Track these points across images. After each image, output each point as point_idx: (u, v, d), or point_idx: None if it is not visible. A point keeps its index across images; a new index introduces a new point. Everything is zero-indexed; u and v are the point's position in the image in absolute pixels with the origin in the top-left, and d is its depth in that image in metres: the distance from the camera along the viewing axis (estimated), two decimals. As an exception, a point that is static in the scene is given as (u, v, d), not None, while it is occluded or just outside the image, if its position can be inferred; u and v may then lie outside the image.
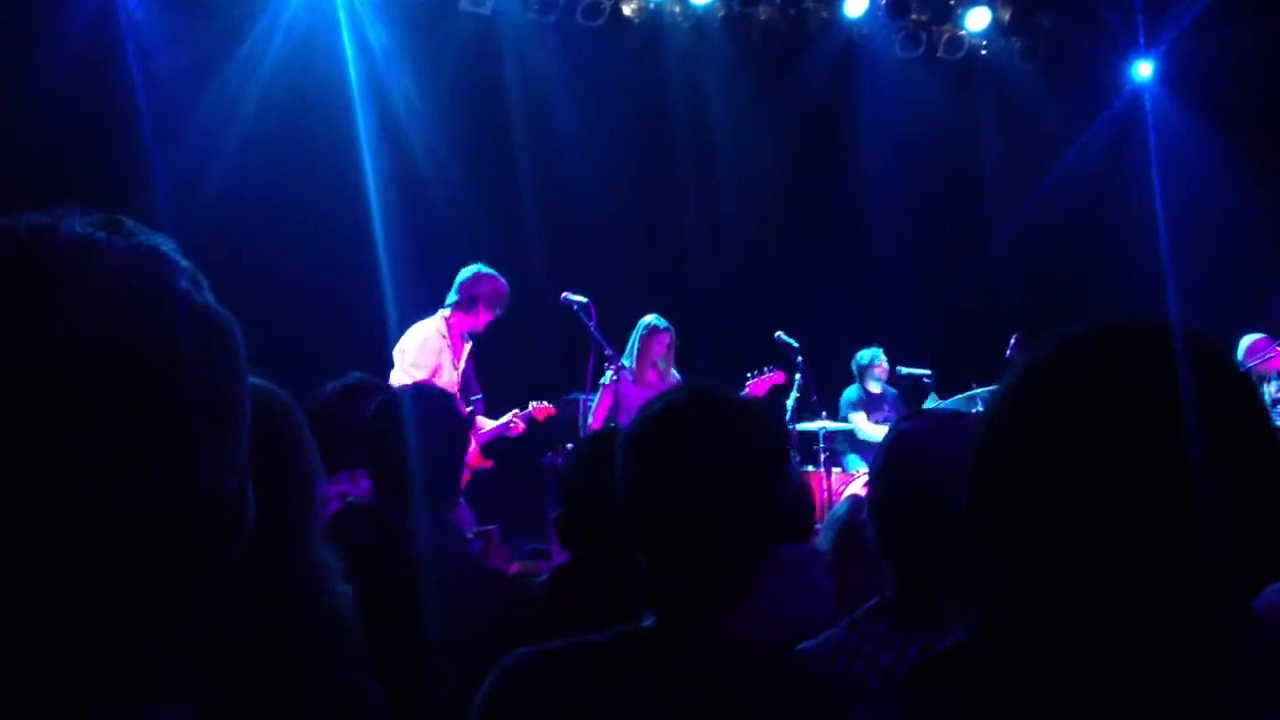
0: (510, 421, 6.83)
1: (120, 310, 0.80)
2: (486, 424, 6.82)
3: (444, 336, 6.62)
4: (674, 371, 7.84)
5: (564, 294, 7.47)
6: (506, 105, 9.44)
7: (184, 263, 0.86)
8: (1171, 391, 1.04)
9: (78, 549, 0.77)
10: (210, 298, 0.87)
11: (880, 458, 2.23)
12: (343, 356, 6.59)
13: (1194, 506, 1.01)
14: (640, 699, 1.72)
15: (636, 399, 7.38)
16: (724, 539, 1.77)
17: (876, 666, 2.09)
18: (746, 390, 8.07)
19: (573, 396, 7.73)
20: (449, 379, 6.54)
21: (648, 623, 1.80)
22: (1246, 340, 8.33)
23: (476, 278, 6.70)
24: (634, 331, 7.83)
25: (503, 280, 6.75)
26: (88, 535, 0.77)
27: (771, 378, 8.15)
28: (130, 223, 0.86)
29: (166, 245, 0.86)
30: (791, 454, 1.88)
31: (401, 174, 8.74)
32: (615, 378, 7.40)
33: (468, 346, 6.79)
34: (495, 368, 8.76)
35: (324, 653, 1.67)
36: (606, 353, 7.41)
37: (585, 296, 7.43)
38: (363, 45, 8.78)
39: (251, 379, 1.70)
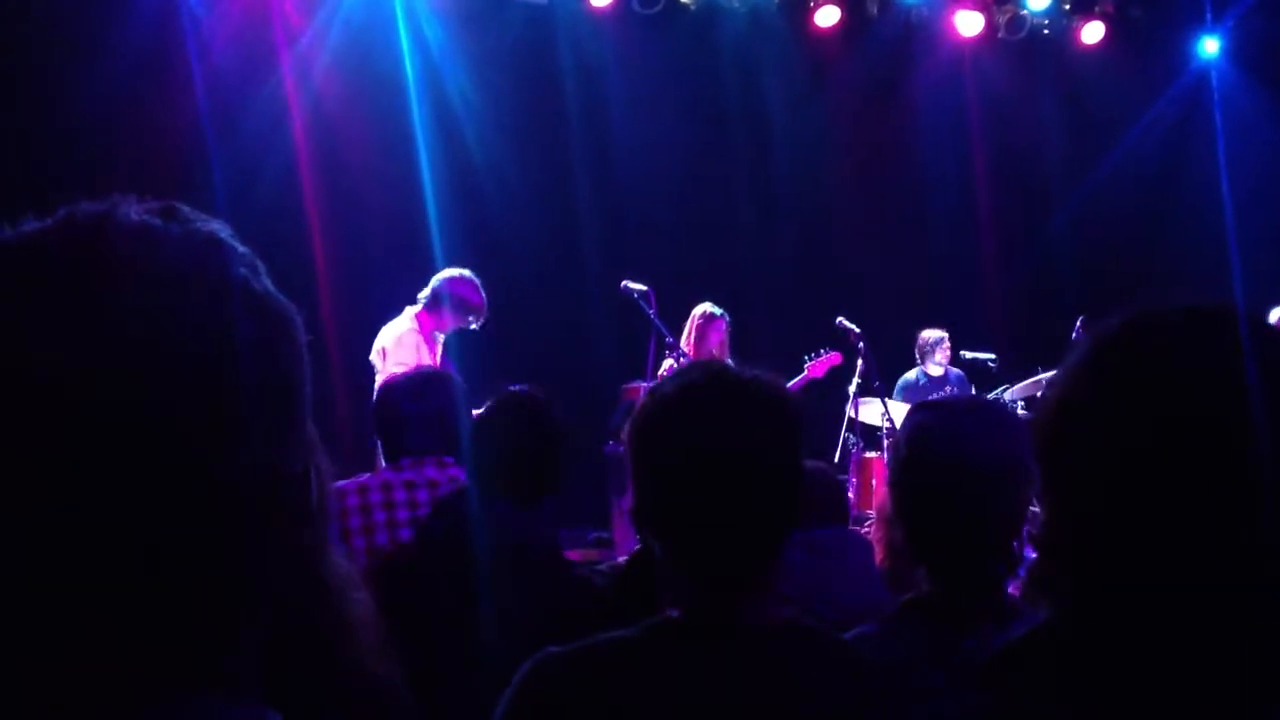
0: None
1: (178, 297, 0.79)
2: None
3: (416, 333, 6.54)
4: (729, 360, 7.80)
5: (624, 282, 7.44)
6: (562, 95, 9.44)
7: (242, 249, 0.86)
8: (1236, 373, 1.04)
9: (147, 534, 0.76)
10: (268, 284, 0.86)
11: (904, 447, 2.13)
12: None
13: (1264, 485, 1.00)
14: (676, 691, 1.66)
15: None
16: (744, 521, 1.71)
17: (908, 665, 1.99)
18: (805, 372, 8.03)
19: (634, 384, 7.72)
20: None
21: (672, 614, 1.74)
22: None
23: (449, 280, 6.59)
24: (689, 320, 7.79)
25: (480, 292, 6.60)
26: (155, 521, 0.76)
27: (829, 359, 8.10)
28: (186, 209, 0.85)
29: (223, 231, 0.86)
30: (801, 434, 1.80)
31: (456, 166, 8.77)
32: (676, 365, 7.36)
33: (440, 341, 6.68)
34: (555, 358, 8.79)
35: (344, 644, 1.66)
36: (668, 340, 7.38)
37: (644, 285, 7.40)
38: (418, 38, 8.82)
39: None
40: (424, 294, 6.64)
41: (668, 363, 7.46)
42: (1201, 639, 1.04)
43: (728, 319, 7.77)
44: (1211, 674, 1.04)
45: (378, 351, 6.55)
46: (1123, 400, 1.08)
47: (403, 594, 2.63)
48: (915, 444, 2.11)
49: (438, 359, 6.66)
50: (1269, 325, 1.10)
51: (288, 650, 1.50)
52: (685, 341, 7.71)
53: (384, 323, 6.74)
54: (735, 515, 1.70)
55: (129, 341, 0.76)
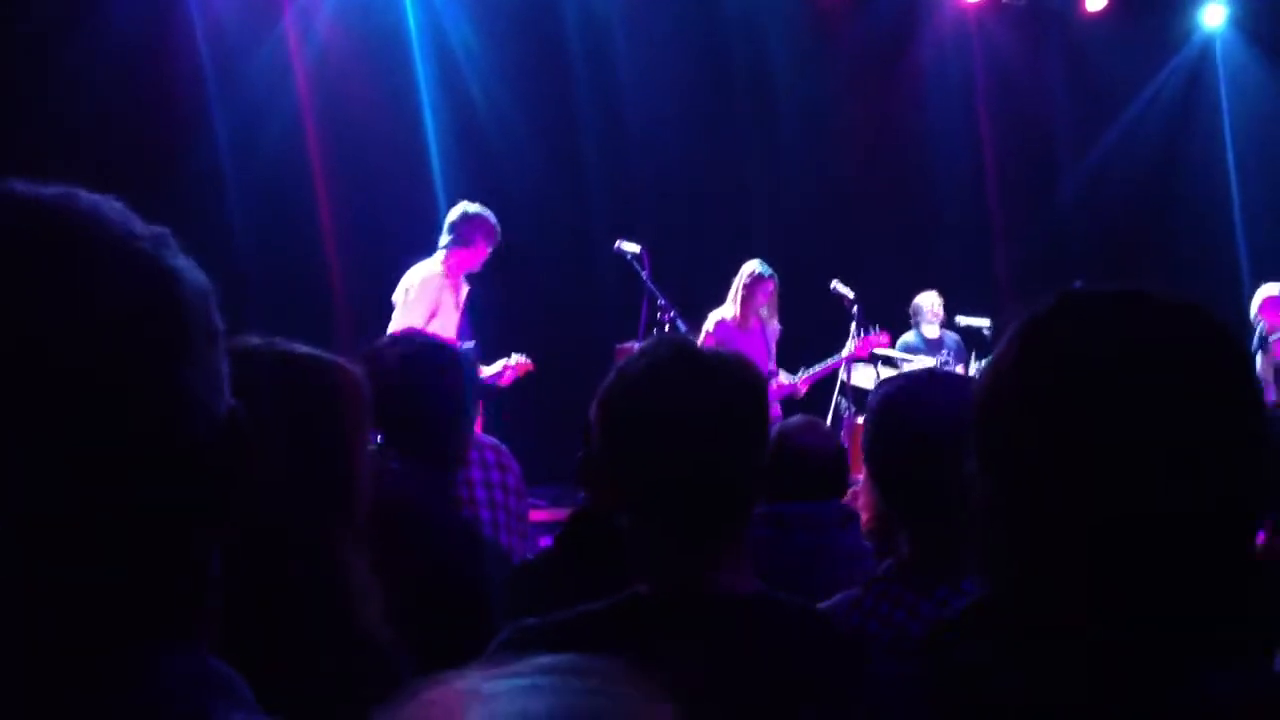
0: (502, 370, 6.82)
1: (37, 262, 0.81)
2: (482, 371, 6.81)
3: (445, 277, 6.63)
4: (775, 320, 7.83)
5: (618, 242, 7.46)
6: (566, 51, 9.41)
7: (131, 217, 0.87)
8: (1147, 356, 1.10)
9: (88, 479, 0.79)
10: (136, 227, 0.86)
11: (873, 419, 2.22)
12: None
13: (1175, 455, 1.06)
14: (646, 665, 1.69)
15: (741, 345, 7.40)
16: (709, 493, 1.73)
17: (891, 624, 2.09)
18: (853, 349, 8.03)
19: (627, 344, 7.75)
20: (449, 319, 6.55)
21: (641, 588, 1.76)
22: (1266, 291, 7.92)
23: (468, 216, 6.68)
24: (737, 278, 7.78)
25: (492, 217, 6.73)
26: (95, 467, 0.79)
27: (877, 338, 8.11)
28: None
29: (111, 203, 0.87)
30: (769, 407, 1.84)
31: (460, 121, 8.77)
32: (664, 321, 7.36)
33: (465, 289, 6.78)
34: (550, 314, 8.82)
35: (343, 608, 1.68)
36: (660, 302, 7.40)
37: (639, 245, 7.41)
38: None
39: (305, 348, 1.74)
40: (445, 237, 6.70)
41: (711, 321, 7.45)
42: (1130, 605, 1.08)
43: (775, 279, 7.77)
44: (1143, 642, 1.08)
45: (402, 289, 6.61)
46: (1042, 378, 1.13)
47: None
48: (882, 415, 2.20)
49: (461, 299, 6.73)
50: (1189, 309, 1.14)
51: (290, 614, 1.55)
52: (732, 300, 7.72)
53: (390, 273, 6.78)
54: (700, 487, 1.72)
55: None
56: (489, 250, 6.72)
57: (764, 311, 7.70)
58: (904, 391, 2.24)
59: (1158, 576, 1.07)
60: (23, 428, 0.77)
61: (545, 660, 0.69)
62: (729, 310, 7.70)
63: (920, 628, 2.05)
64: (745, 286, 7.68)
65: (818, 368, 8.06)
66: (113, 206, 0.85)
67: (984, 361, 7.39)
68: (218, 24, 8.09)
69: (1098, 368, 1.10)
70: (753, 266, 7.73)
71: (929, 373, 2.32)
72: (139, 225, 0.86)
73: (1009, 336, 1.18)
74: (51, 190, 0.83)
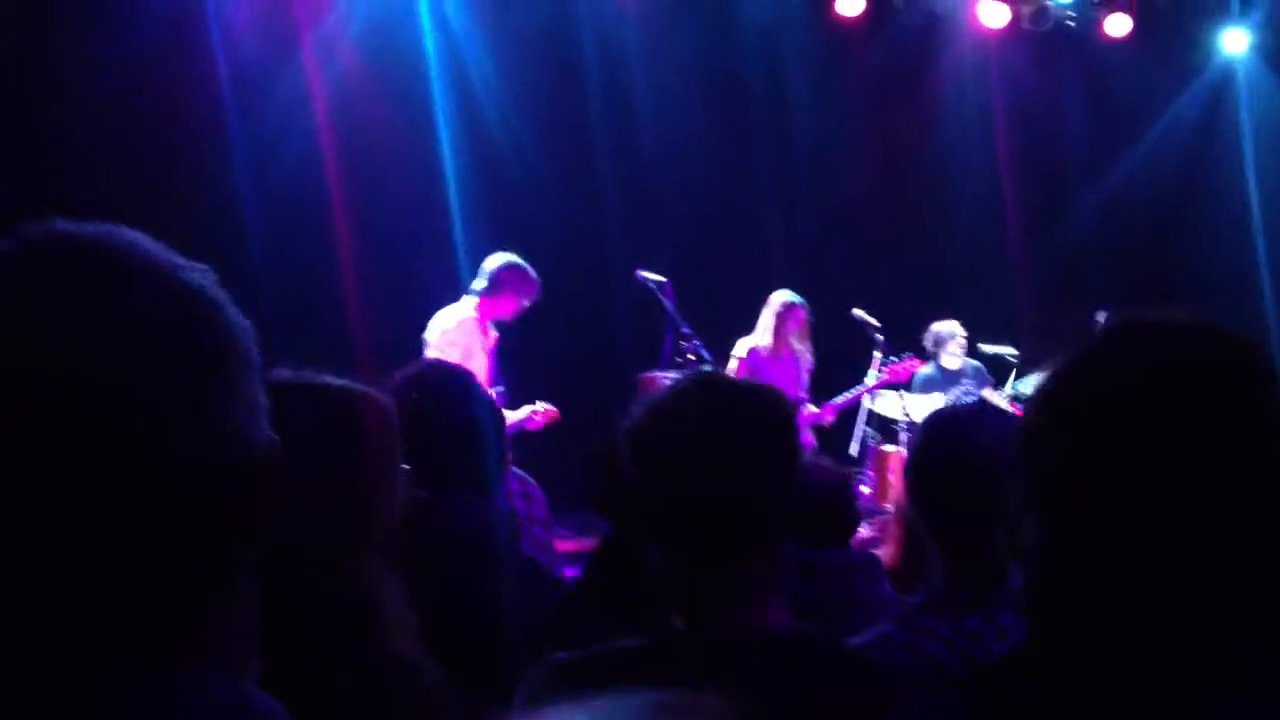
0: (529, 416, 6.81)
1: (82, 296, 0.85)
2: (509, 416, 6.79)
3: (476, 322, 6.63)
4: (809, 349, 7.84)
5: (639, 272, 7.44)
6: (584, 80, 9.43)
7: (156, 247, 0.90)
8: (1198, 389, 1.08)
9: (131, 497, 0.82)
10: (178, 262, 0.90)
11: (919, 444, 2.26)
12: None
13: (1235, 491, 1.03)
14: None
15: (772, 374, 7.40)
16: (744, 527, 1.73)
17: (923, 657, 2.09)
18: (885, 375, 8.02)
19: (650, 374, 7.71)
20: (479, 363, 6.55)
21: (676, 624, 1.76)
22: None
23: (505, 266, 6.68)
24: (766, 307, 7.82)
25: (532, 271, 6.72)
26: (123, 495, 0.82)
27: (910, 364, 8.11)
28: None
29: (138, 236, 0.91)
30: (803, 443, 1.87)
31: (478, 149, 8.77)
32: (688, 350, 7.35)
33: (494, 335, 6.78)
34: (575, 345, 8.79)
35: (380, 633, 1.70)
36: (683, 331, 7.38)
37: (661, 274, 7.40)
38: (440, 19, 8.82)
39: (336, 380, 1.78)
40: (479, 283, 6.70)
41: (739, 348, 7.45)
42: (1181, 652, 1.05)
43: (807, 307, 7.79)
44: (1194, 690, 1.05)
45: (437, 329, 6.61)
46: (1090, 419, 1.10)
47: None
48: (926, 445, 2.25)
49: (490, 346, 6.72)
50: (1229, 338, 1.12)
51: (322, 636, 1.57)
52: (764, 328, 7.75)
53: (406, 306, 6.77)
54: (732, 522, 1.72)
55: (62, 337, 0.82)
56: (521, 304, 6.71)
57: (795, 340, 7.70)
58: (949, 422, 2.29)
59: (1212, 619, 1.05)
60: (73, 449, 0.80)
61: (632, 700, 0.71)
62: (761, 338, 7.73)
63: (954, 659, 2.06)
64: (777, 315, 7.73)
65: (847, 395, 8.04)
66: (153, 243, 0.90)
67: (1007, 390, 7.34)
68: (237, 51, 8.11)
69: (1146, 404, 1.07)
70: (783, 295, 7.79)
71: (975, 404, 2.35)
72: (182, 260, 0.90)
73: (1052, 374, 1.16)
74: (94, 227, 0.88)
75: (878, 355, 8.18)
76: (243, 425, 0.88)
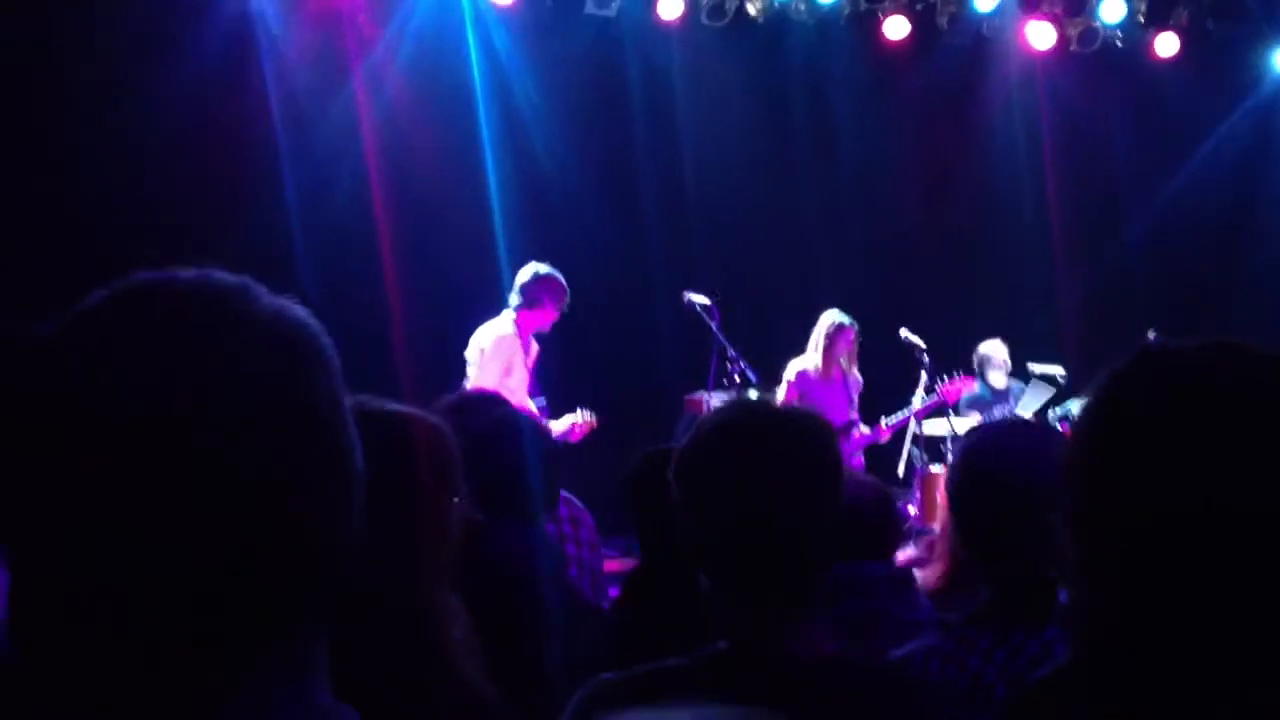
0: (570, 427, 6.85)
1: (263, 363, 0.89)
2: (551, 428, 6.85)
3: (516, 338, 6.69)
4: (856, 369, 7.83)
5: (685, 294, 7.47)
6: (629, 107, 9.49)
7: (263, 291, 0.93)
8: (1229, 411, 1.07)
9: (226, 562, 0.85)
10: (299, 314, 0.94)
11: (959, 463, 2.29)
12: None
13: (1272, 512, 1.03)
14: None
15: (822, 395, 7.40)
16: (788, 552, 1.76)
17: (966, 670, 2.10)
18: (937, 395, 8.00)
19: (697, 395, 7.73)
20: (520, 378, 6.61)
21: (721, 645, 1.78)
22: None
23: (538, 277, 6.79)
24: (816, 328, 7.83)
25: (560, 277, 6.84)
26: (236, 550, 0.85)
27: (962, 383, 8.09)
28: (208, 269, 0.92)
29: (303, 311, 0.95)
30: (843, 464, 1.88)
31: (524, 176, 8.84)
32: (734, 372, 7.36)
33: (535, 348, 6.84)
34: (620, 367, 8.81)
35: (448, 657, 1.71)
36: (729, 354, 7.39)
37: (707, 297, 7.42)
38: (488, 49, 8.92)
39: (398, 406, 1.80)
40: (515, 298, 6.78)
41: (789, 371, 7.51)
42: (1223, 677, 1.05)
43: (856, 328, 7.80)
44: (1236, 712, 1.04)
45: (475, 349, 6.71)
46: (1129, 442, 1.10)
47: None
48: (968, 462, 2.27)
49: (532, 360, 6.80)
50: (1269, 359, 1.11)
51: (395, 668, 1.59)
52: (814, 349, 7.75)
53: (455, 328, 6.82)
54: (776, 547, 1.75)
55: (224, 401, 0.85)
56: (557, 313, 6.79)
57: (844, 361, 7.69)
58: (991, 440, 2.32)
59: (1251, 645, 1.04)
60: (185, 493, 0.82)
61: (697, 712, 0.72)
62: (811, 360, 7.71)
63: (995, 673, 2.08)
64: (827, 336, 7.70)
65: (899, 415, 8.02)
66: (257, 286, 0.92)
67: (1058, 410, 7.28)
68: (289, 81, 8.24)
69: (1185, 430, 1.07)
70: (833, 316, 7.76)
71: (1016, 422, 2.38)
72: (280, 301, 0.92)
73: (1093, 398, 1.17)
74: (187, 275, 0.90)
75: (924, 376, 8.15)
76: (349, 459, 0.93)
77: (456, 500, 1.84)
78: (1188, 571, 1.04)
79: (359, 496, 0.93)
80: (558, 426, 6.76)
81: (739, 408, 1.89)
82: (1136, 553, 1.07)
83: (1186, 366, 1.12)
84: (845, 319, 7.75)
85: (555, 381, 7.08)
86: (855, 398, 7.84)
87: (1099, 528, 1.12)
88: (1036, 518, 2.13)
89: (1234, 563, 1.03)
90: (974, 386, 8.84)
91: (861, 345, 8.05)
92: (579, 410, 6.94)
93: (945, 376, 8.05)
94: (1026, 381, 8.99)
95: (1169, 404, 1.09)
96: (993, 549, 2.18)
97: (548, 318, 6.79)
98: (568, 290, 6.82)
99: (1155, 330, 7.65)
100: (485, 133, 8.68)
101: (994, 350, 8.92)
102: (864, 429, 7.85)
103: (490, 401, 3.19)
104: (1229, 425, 1.05)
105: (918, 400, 8.09)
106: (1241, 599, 1.03)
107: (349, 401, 0.96)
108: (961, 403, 8.72)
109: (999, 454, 2.21)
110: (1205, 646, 1.04)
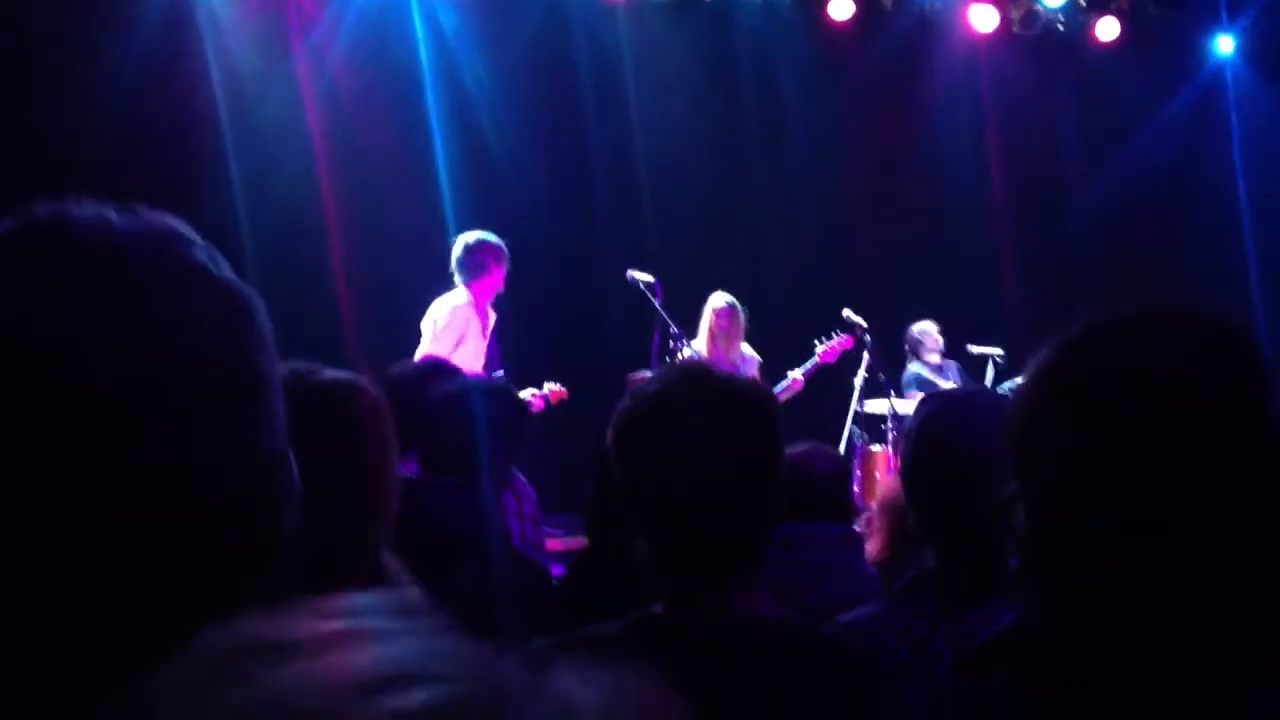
0: (530, 399, 6.84)
1: (141, 289, 0.81)
2: None
3: (472, 308, 6.69)
4: (743, 348, 7.79)
5: (629, 272, 7.49)
6: (577, 85, 9.46)
7: (199, 240, 0.87)
8: (1184, 378, 1.08)
9: (135, 529, 0.78)
10: (229, 272, 0.87)
11: (911, 435, 2.27)
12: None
13: (1216, 476, 1.05)
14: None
15: None
16: (724, 516, 1.74)
17: (910, 637, 2.11)
18: (817, 358, 8.00)
19: (640, 374, 7.75)
20: (475, 348, 6.60)
21: (656, 609, 1.77)
22: None
23: (473, 246, 6.77)
24: (705, 308, 7.81)
25: (491, 236, 6.83)
26: (141, 514, 0.78)
27: (841, 343, 8.08)
28: (142, 207, 0.87)
29: (180, 224, 0.87)
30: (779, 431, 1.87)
31: (472, 155, 8.80)
32: (677, 349, 7.36)
33: (493, 318, 6.84)
34: (564, 345, 8.82)
35: None
36: (672, 330, 7.41)
37: (652, 275, 7.44)
38: (433, 27, 8.85)
39: (331, 371, 1.77)
40: (461, 275, 6.77)
41: (687, 351, 7.46)
42: (1169, 627, 1.07)
43: (735, 308, 7.72)
44: (1174, 672, 1.07)
45: (430, 320, 6.69)
46: (1071, 402, 1.12)
47: None
48: (925, 431, 2.24)
49: (489, 328, 6.80)
50: (1222, 326, 1.13)
51: None
52: (704, 333, 7.73)
53: (403, 307, 6.80)
54: (715, 511, 1.73)
55: (93, 336, 0.78)
56: (505, 270, 6.78)
57: (722, 340, 7.65)
58: (945, 408, 2.30)
59: (1194, 594, 1.06)
60: (124, 444, 0.77)
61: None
62: (700, 341, 7.68)
63: (940, 642, 2.09)
64: (705, 317, 7.71)
65: (781, 386, 7.88)
66: (189, 230, 0.86)
67: (999, 390, 7.33)
68: (230, 61, 8.15)
69: (1126, 390, 1.09)
70: (712, 299, 7.75)
71: (969, 391, 2.38)
72: (216, 255, 0.86)
73: (1038, 362, 1.17)
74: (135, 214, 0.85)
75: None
76: (272, 431, 0.86)
77: (395, 465, 1.83)
78: (1134, 534, 1.05)
79: (290, 461, 0.89)
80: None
81: (678, 370, 1.88)
82: (1084, 520, 1.08)
83: (1134, 330, 1.14)
84: (722, 301, 7.72)
85: (501, 360, 7.07)
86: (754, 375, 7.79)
87: (1046, 495, 1.13)
88: (991, 485, 2.17)
89: (1177, 522, 1.04)
90: (915, 366, 8.94)
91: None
92: (545, 384, 6.94)
93: (822, 338, 8.06)
94: (964, 363, 9.11)
95: (1116, 368, 1.10)
96: (944, 515, 2.18)
97: (498, 279, 6.78)
98: (504, 247, 6.81)
99: (1090, 314, 7.73)
100: (432, 109, 8.62)
101: (926, 330, 9.00)
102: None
103: (449, 371, 3.21)
104: (1172, 390, 1.07)
105: (798, 371, 8.02)
106: (1186, 557, 1.05)
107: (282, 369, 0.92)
108: (904, 382, 8.81)
109: (958, 420, 2.22)
110: (1152, 607, 1.06)
